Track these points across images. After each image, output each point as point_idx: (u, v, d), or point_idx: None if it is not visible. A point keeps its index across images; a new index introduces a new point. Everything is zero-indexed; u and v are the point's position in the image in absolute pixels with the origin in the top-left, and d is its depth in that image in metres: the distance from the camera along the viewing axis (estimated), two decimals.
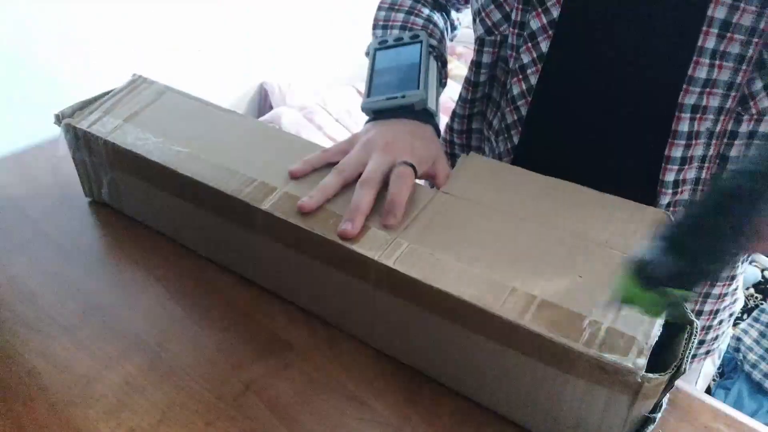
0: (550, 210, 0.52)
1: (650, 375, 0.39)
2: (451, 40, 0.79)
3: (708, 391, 1.40)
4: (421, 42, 0.67)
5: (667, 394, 0.41)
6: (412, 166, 0.54)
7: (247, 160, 0.58)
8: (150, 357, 0.53)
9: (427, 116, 0.62)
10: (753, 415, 1.32)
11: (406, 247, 0.48)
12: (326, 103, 1.94)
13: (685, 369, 0.40)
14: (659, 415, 0.42)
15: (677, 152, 0.58)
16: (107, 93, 0.68)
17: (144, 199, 0.64)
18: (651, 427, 0.42)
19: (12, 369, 0.51)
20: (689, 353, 0.41)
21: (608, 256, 0.47)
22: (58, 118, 0.64)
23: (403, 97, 0.61)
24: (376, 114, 0.62)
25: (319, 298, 0.55)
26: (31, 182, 0.72)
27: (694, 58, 0.54)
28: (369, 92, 0.63)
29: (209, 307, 0.58)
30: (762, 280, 1.84)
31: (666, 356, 0.42)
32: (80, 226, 0.67)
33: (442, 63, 0.69)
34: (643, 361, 0.40)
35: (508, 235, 0.49)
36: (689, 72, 0.54)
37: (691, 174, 0.60)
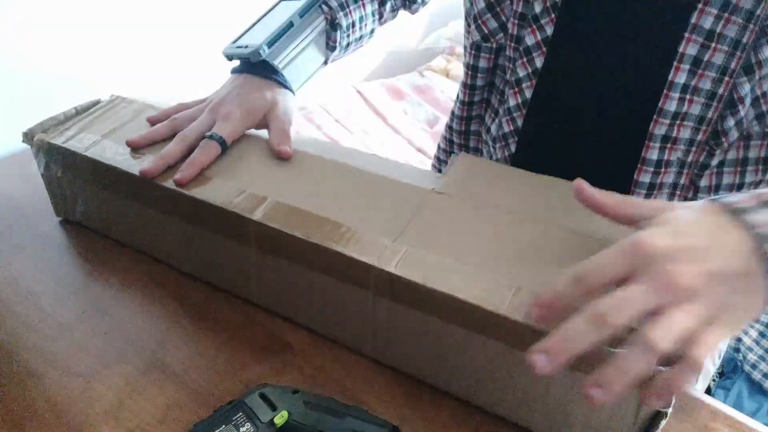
0: (547, 207, 0.51)
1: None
2: (382, 22, 0.79)
3: (708, 391, 1.40)
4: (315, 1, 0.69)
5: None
6: (221, 141, 0.58)
7: (232, 170, 0.57)
8: (150, 357, 0.53)
9: (271, 70, 0.65)
10: (753, 415, 1.32)
11: (406, 251, 0.48)
12: (326, 103, 1.94)
13: None
14: (671, 410, 0.41)
15: (645, 178, 0.60)
16: (77, 108, 0.66)
17: (123, 217, 0.62)
18: (663, 422, 0.42)
19: (12, 369, 0.51)
20: None
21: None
22: (27, 137, 0.62)
23: (246, 47, 0.64)
24: (228, 59, 0.67)
25: (317, 312, 0.54)
26: (31, 182, 0.72)
27: (665, 91, 0.55)
28: (238, 37, 0.67)
29: (209, 307, 0.58)
30: None
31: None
32: (80, 225, 0.67)
33: (332, 26, 0.71)
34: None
35: (508, 234, 0.49)
36: (659, 104, 0.56)
37: (662, 199, 0.62)
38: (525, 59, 0.62)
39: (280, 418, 0.44)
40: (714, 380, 1.46)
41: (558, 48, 0.60)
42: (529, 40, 0.61)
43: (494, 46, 0.65)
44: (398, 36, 2.23)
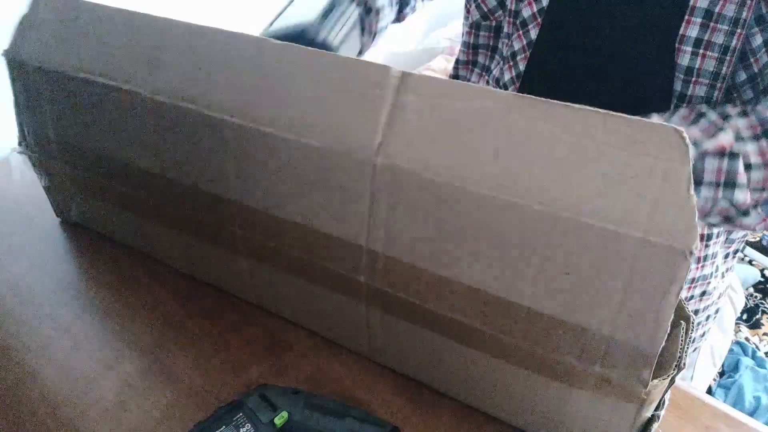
0: (519, 171, 0.38)
1: (654, 381, 0.39)
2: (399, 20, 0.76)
3: (708, 391, 1.40)
4: None
5: (669, 391, 0.41)
6: None
7: (192, 159, 0.49)
8: (150, 357, 0.53)
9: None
10: (753, 413, 1.32)
11: (382, 256, 0.44)
12: None
13: (684, 365, 0.40)
14: (662, 412, 0.42)
15: None
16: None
17: (114, 221, 0.61)
18: (656, 425, 0.42)
19: (11, 370, 0.51)
20: (687, 349, 0.41)
21: (597, 234, 0.36)
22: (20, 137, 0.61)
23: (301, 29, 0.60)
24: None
25: (313, 316, 0.54)
26: (31, 182, 0.72)
27: (677, 46, 0.54)
28: (275, 19, 0.62)
29: (209, 307, 0.58)
30: (762, 280, 1.83)
31: (662, 353, 0.40)
32: (80, 226, 0.67)
33: (366, 10, 0.68)
34: (648, 373, 0.38)
35: (480, 221, 0.39)
36: (674, 59, 0.55)
37: None
38: (521, 31, 0.63)
39: (280, 419, 0.44)
40: (714, 380, 1.47)
41: (553, 17, 0.61)
42: (526, 13, 0.62)
43: (493, 24, 0.67)
44: (398, 36, 2.23)
